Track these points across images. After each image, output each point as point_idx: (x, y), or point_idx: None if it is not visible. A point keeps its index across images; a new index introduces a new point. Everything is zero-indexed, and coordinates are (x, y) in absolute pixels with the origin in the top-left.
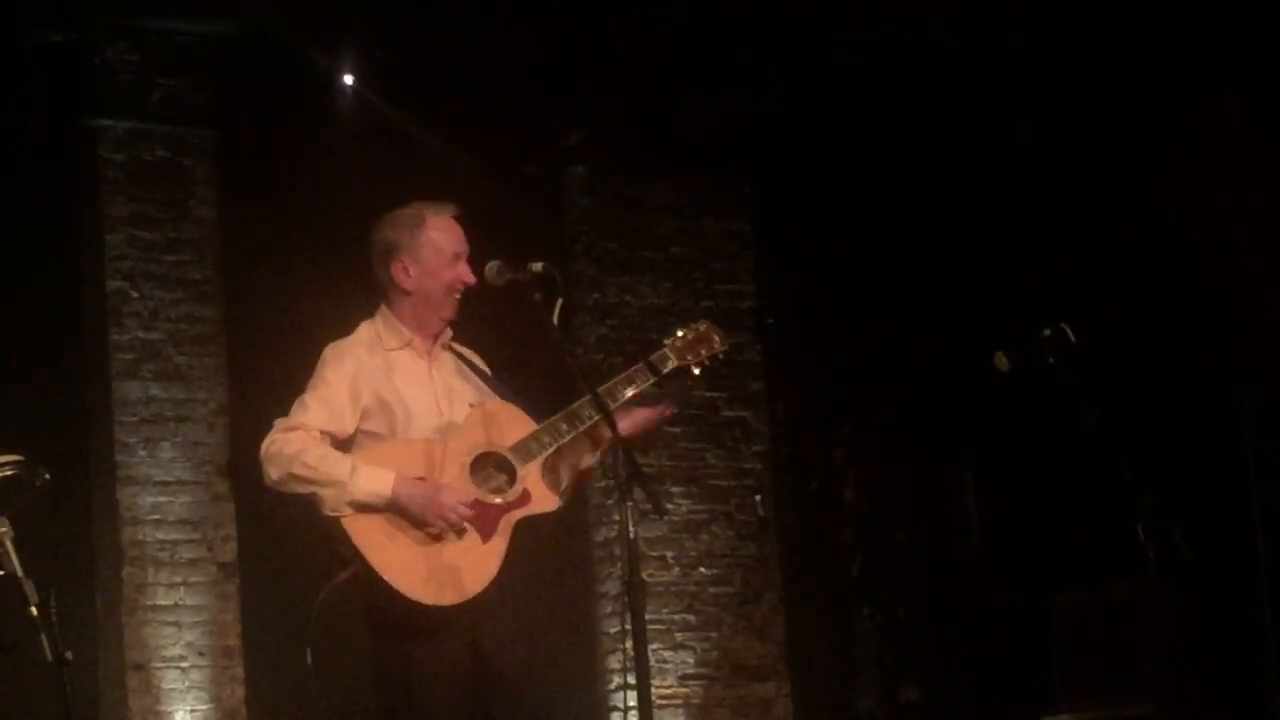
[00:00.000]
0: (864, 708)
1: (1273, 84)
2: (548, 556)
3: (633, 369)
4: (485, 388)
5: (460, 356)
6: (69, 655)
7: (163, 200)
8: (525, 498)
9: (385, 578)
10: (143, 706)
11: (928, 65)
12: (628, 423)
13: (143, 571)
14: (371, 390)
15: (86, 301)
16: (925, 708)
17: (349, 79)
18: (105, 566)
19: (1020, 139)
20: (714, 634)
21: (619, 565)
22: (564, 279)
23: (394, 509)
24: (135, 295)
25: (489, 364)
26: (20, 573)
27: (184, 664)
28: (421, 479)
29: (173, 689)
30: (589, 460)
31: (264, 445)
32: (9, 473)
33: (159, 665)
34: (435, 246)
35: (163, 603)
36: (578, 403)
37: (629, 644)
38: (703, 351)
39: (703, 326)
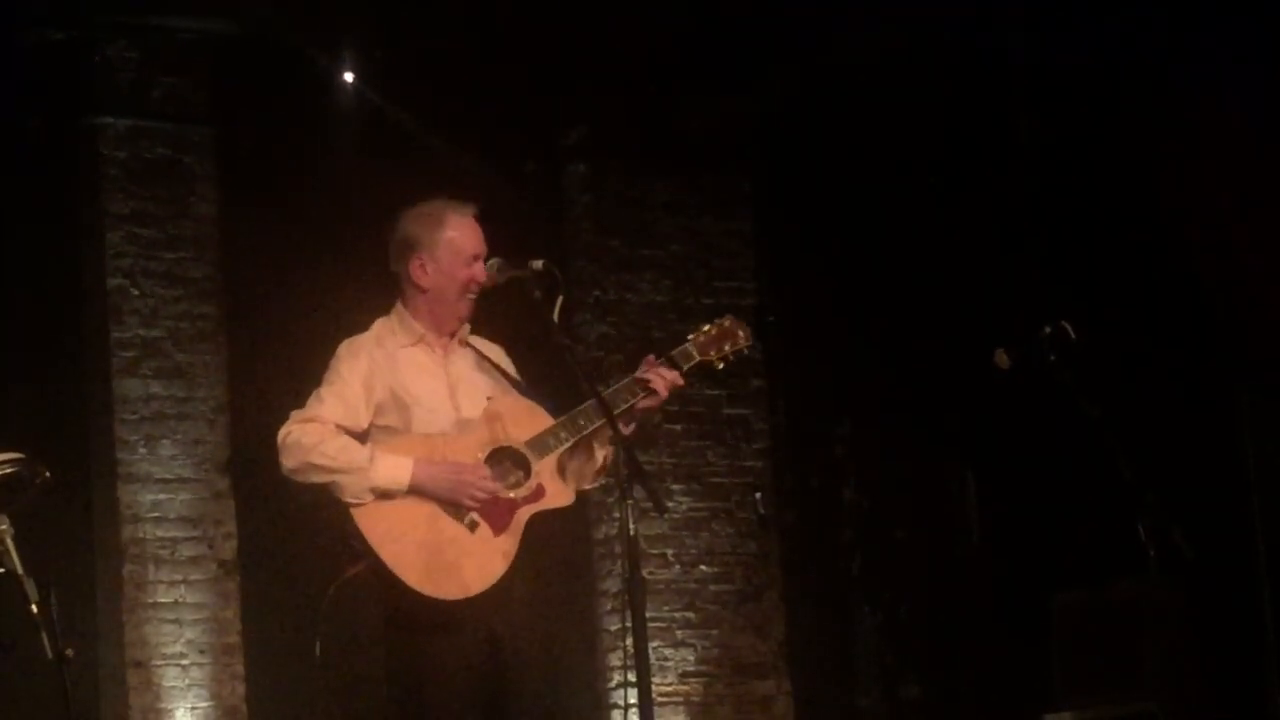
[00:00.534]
0: (864, 705)
1: (1273, 84)
2: (549, 553)
3: (655, 363)
4: (504, 382)
5: (479, 351)
6: (69, 653)
7: (163, 198)
8: (539, 492)
9: (395, 572)
10: (143, 704)
11: (928, 64)
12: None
13: (143, 569)
14: (385, 386)
15: (87, 299)
16: (925, 706)
17: (349, 77)
18: (106, 564)
19: (1020, 138)
20: (714, 632)
21: (619, 563)
22: (564, 277)
23: (416, 493)
24: (136, 293)
25: (512, 356)
26: (20, 570)
27: (184, 661)
28: (441, 461)
29: (173, 686)
30: (625, 432)
31: (280, 435)
32: (9, 470)
33: (159, 663)
34: (454, 247)
35: (163, 600)
36: (588, 403)
37: (629, 641)
38: (726, 347)
39: (727, 322)
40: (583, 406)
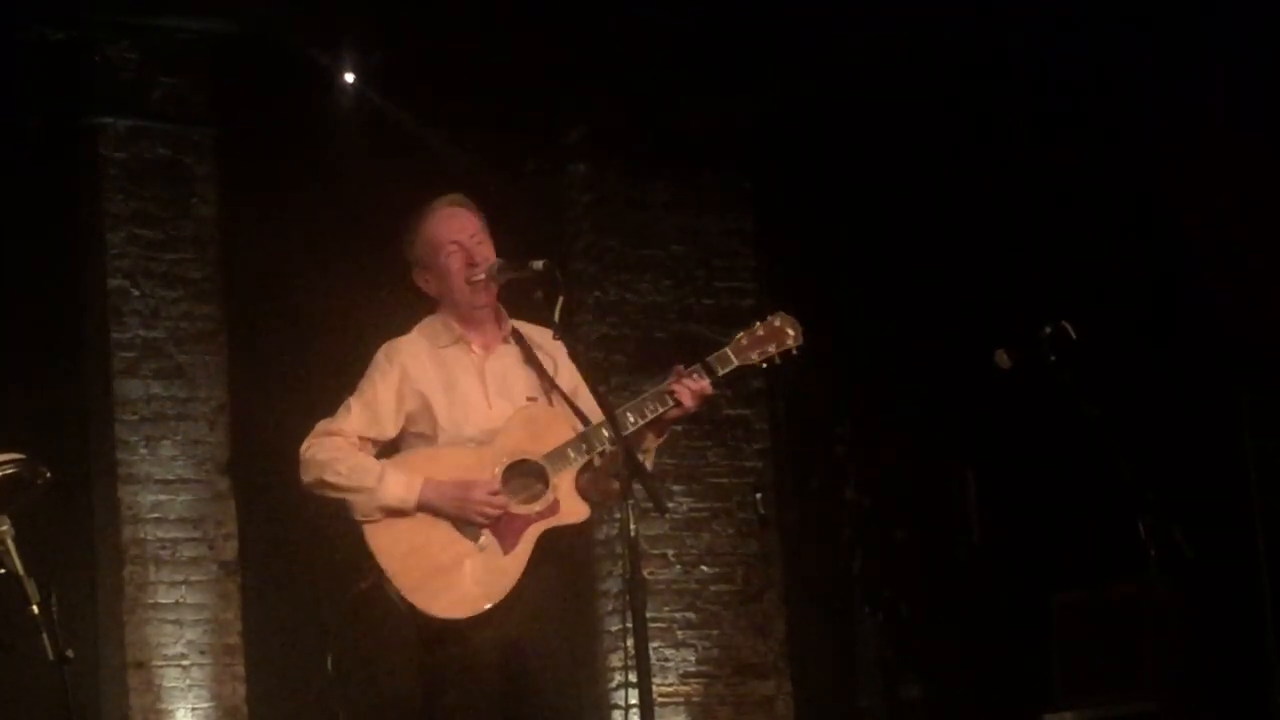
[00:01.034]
0: (865, 705)
1: (1273, 84)
2: (549, 555)
3: (688, 369)
4: (548, 380)
5: (529, 345)
6: (70, 653)
7: (163, 198)
8: (554, 508)
9: (400, 590)
10: (144, 705)
11: (928, 64)
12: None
13: (144, 570)
14: (417, 393)
15: (87, 300)
16: (926, 705)
17: (349, 77)
18: (106, 565)
19: (1020, 138)
20: (715, 632)
21: (620, 563)
22: (565, 277)
23: (425, 511)
24: (136, 293)
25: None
26: (21, 571)
27: (185, 662)
28: (449, 480)
29: (174, 687)
30: (655, 443)
31: (302, 448)
32: (10, 471)
33: (160, 663)
34: (429, 245)
35: (164, 601)
36: (624, 407)
37: (630, 642)
38: (772, 348)
39: (778, 320)
40: (602, 422)
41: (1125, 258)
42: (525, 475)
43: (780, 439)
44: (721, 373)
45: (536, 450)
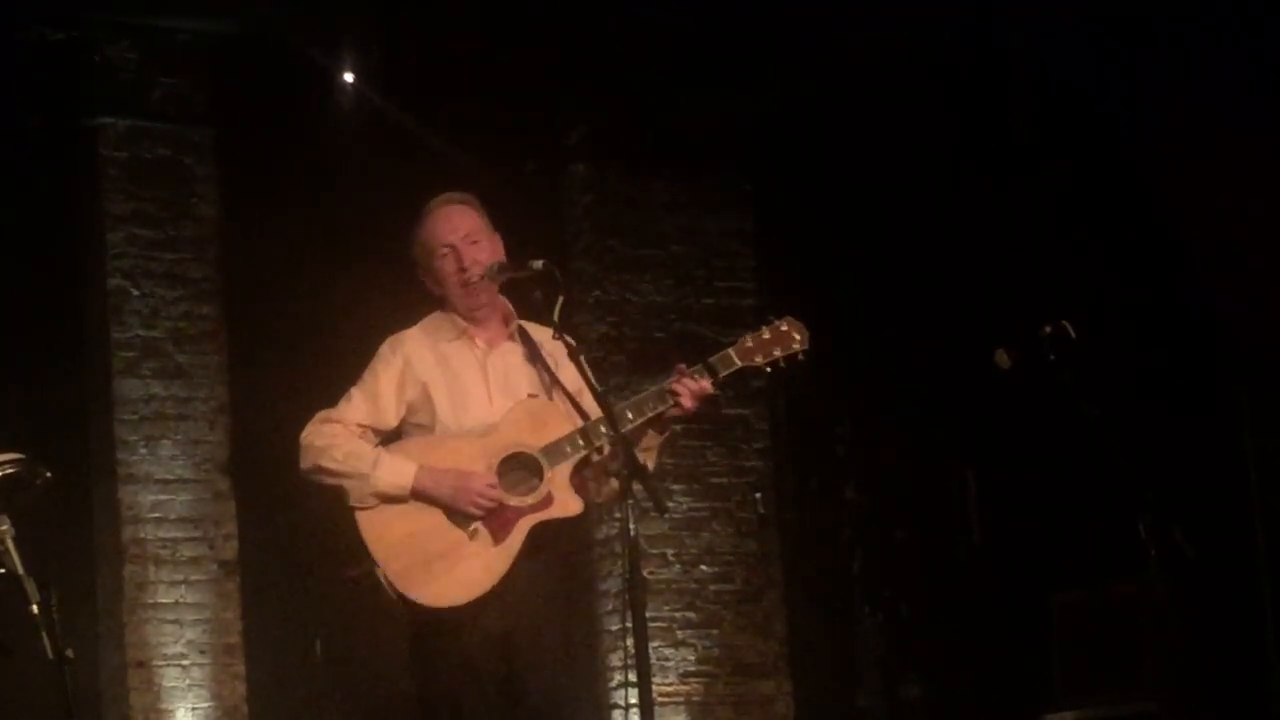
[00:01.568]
0: (865, 705)
1: (1273, 83)
2: (548, 553)
3: (687, 370)
4: (550, 377)
5: (532, 344)
6: (70, 653)
7: (163, 198)
8: (547, 501)
9: (386, 575)
10: (144, 704)
11: (928, 64)
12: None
13: (144, 569)
14: (419, 384)
15: (87, 299)
16: (926, 705)
17: (349, 77)
18: (106, 565)
19: (1020, 137)
20: (715, 631)
21: (620, 563)
22: (565, 277)
23: (419, 499)
24: (136, 293)
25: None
26: (21, 571)
27: (185, 662)
28: (445, 468)
29: (174, 687)
30: (655, 441)
31: (302, 434)
32: (10, 471)
33: (160, 663)
34: (425, 249)
35: (164, 601)
36: (620, 405)
37: (630, 641)
38: (777, 351)
39: (784, 325)
40: (599, 418)
41: (1125, 258)
42: (521, 468)
43: (780, 439)
44: (723, 374)
45: (534, 443)
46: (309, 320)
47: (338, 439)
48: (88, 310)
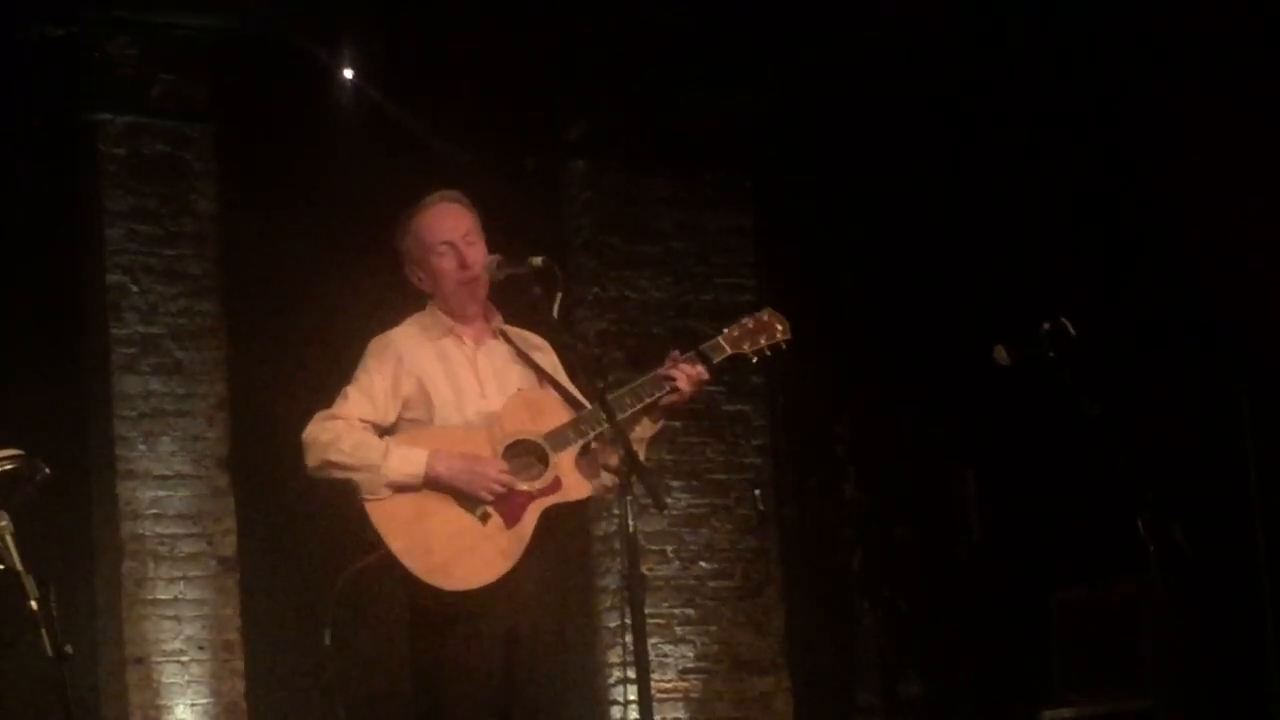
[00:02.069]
0: (864, 702)
1: (1274, 83)
2: (551, 550)
3: (682, 357)
4: (535, 374)
5: (515, 343)
6: (69, 649)
7: (162, 194)
8: (555, 485)
9: (403, 563)
10: (143, 700)
11: (928, 61)
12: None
13: (142, 566)
14: (413, 379)
15: (86, 296)
16: (925, 702)
17: (349, 74)
18: (105, 561)
19: (1020, 134)
20: (714, 628)
21: (619, 559)
22: (564, 273)
23: (432, 486)
24: (135, 289)
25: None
26: (20, 567)
27: (184, 658)
28: (456, 453)
29: (172, 683)
30: (650, 430)
31: (304, 433)
32: (9, 467)
33: (159, 659)
34: (421, 243)
35: (162, 597)
36: (618, 392)
37: (629, 638)
38: (762, 341)
39: (766, 315)
40: (608, 399)
41: (1125, 255)
42: (525, 454)
43: (780, 435)
44: (715, 360)
45: (536, 430)
46: (308, 316)
47: (343, 432)
48: (87, 306)
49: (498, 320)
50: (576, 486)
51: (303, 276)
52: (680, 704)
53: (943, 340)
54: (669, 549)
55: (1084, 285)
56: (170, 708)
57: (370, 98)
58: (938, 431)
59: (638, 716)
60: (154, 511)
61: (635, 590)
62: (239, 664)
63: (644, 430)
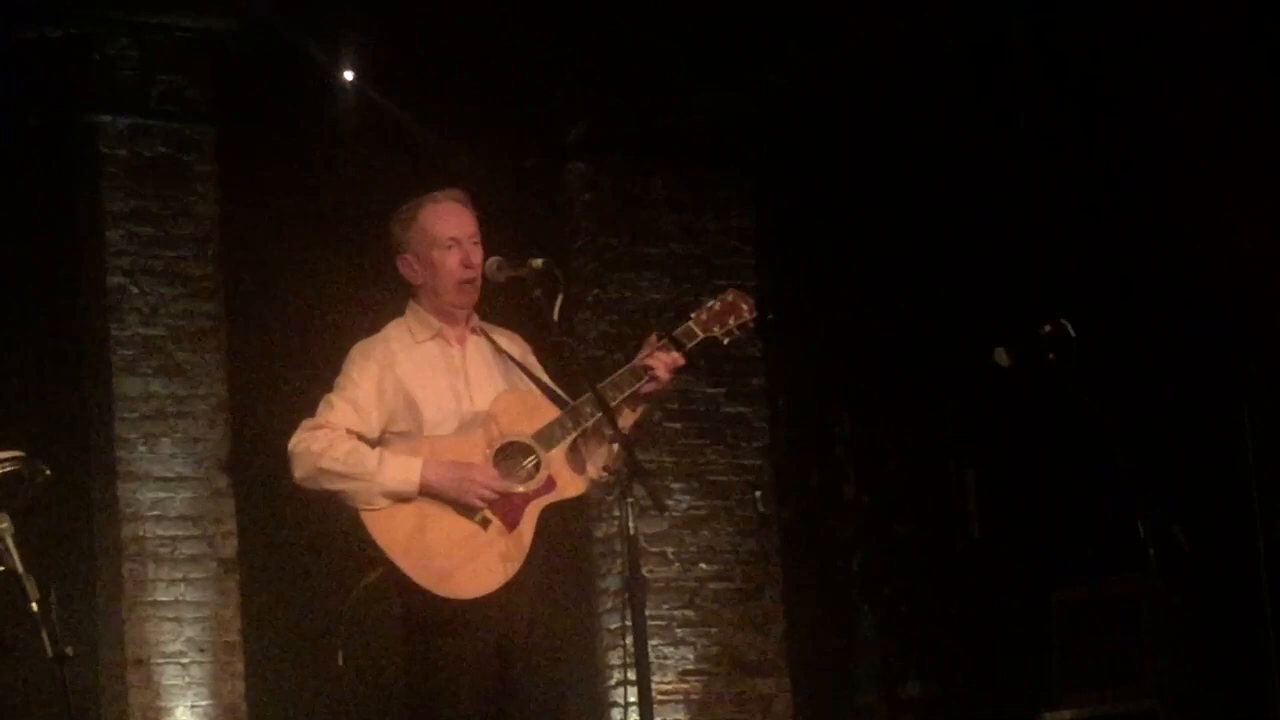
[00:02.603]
0: (864, 703)
1: (1274, 83)
2: (552, 551)
3: (657, 344)
4: (517, 372)
5: (493, 341)
6: (69, 651)
7: (163, 196)
8: (550, 484)
9: (410, 575)
10: (143, 702)
11: (929, 61)
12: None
13: (143, 567)
14: (397, 388)
15: (86, 297)
16: (925, 703)
17: (349, 74)
18: (106, 562)
19: (1022, 135)
20: (714, 630)
21: (619, 561)
22: (564, 275)
23: (426, 495)
24: (135, 291)
25: (529, 341)
26: (21, 569)
27: (184, 660)
28: (449, 461)
29: (173, 685)
30: (631, 419)
31: (290, 444)
32: (9, 469)
33: (159, 661)
34: (427, 235)
35: (163, 598)
36: (602, 384)
37: (629, 640)
38: (731, 321)
39: (730, 296)
40: (586, 396)
41: (1126, 254)
42: (516, 455)
43: (780, 437)
44: (689, 346)
45: (524, 431)
46: (309, 318)
47: (334, 442)
48: (87, 308)
49: (475, 319)
50: (571, 483)
51: (303, 278)
52: (681, 706)
53: (942, 341)
54: (669, 551)
55: (1084, 286)
56: (171, 710)
57: (371, 100)
58: (938, 432)
59: (638, 718)
60: (155, 513)
61: (635, 592)
62: (239, 666)
63: (625, 420)
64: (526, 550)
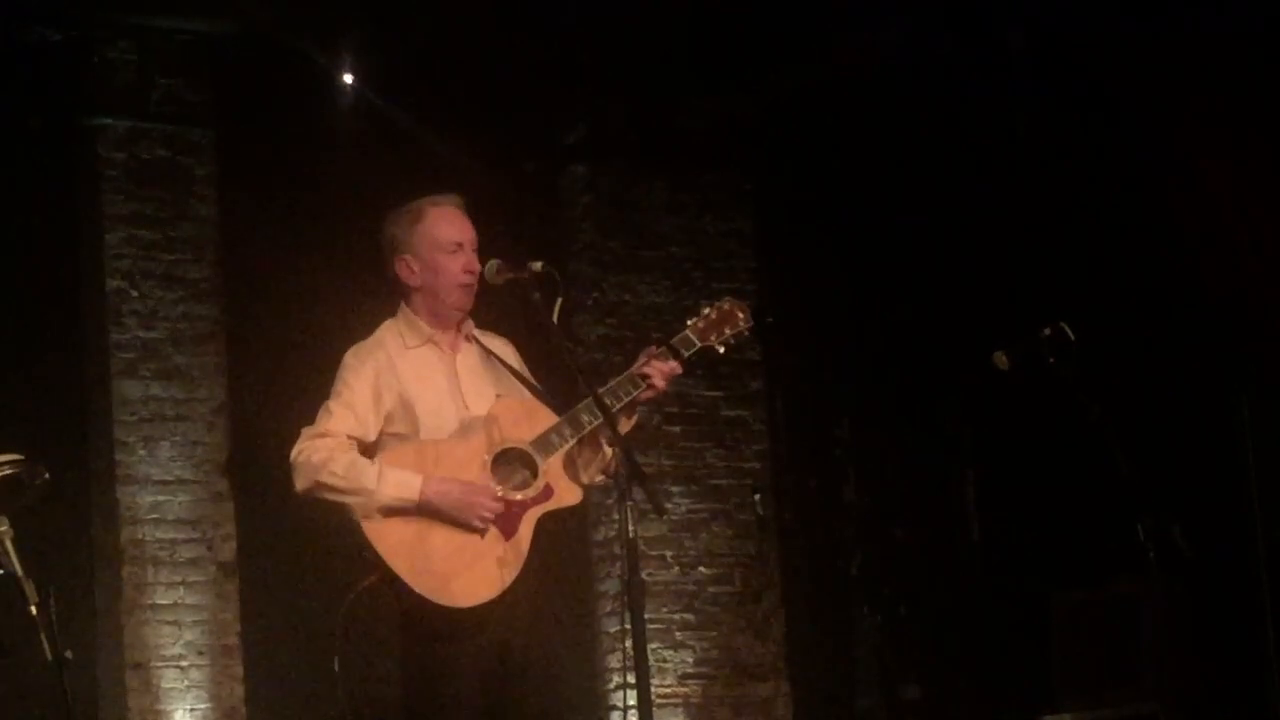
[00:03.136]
0: (864, 706)
1: (1273, 83)
2: (550, 556)
3: (655, 352)
4: (511, 377)
5: (485, 346)
6: (69, 654)
7: (162, 199)
8: (547, 492)
9: (408, 583)
10: (142, 706)
11: (928, 63)
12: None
13: (142, 571)
14: (394, 392)
15: (86, 300)
16: (925, 706)
17: (348, 78)
18: (105, 566)
19: (1021, 137)
20: (713, 633)
21: (618, 564)
22: (563, 278)
23: (425, 511)
24: (135, 294)
25: (519, 349)
26: (20, 572)
27: (183, 663)
28: (450, 478)
29: (172, 688)
30: (628, 426)
31: (292, 454)
32: (8, 472)
33: (158, 664)
34: (431, 238)
35: (162, 602)
36: (600, 390)
37: (628, 643)
38: (727, 330)
39: (726, 304)
40: (584, 403)
41: (1125, 258)
42: (514, 462)
43: (779, 440)
44: (686, 354)
45: (521, 438)
46: (308, 321)
47: (335, 453)
48: (86, 311)
49: (468, 325)
50: (568, 491)
51: (303, 281)
52: (680, 709)
53: (942, 344)
54: (669, 554)
55: (1084, 287)
56: (170, 713)
57: (370, 103)
58: (937, 435)
59: None
60: (154, 516)
61: (635, 595)
62: (238, 669)
63: (622, 427)
64: (524, 557)
